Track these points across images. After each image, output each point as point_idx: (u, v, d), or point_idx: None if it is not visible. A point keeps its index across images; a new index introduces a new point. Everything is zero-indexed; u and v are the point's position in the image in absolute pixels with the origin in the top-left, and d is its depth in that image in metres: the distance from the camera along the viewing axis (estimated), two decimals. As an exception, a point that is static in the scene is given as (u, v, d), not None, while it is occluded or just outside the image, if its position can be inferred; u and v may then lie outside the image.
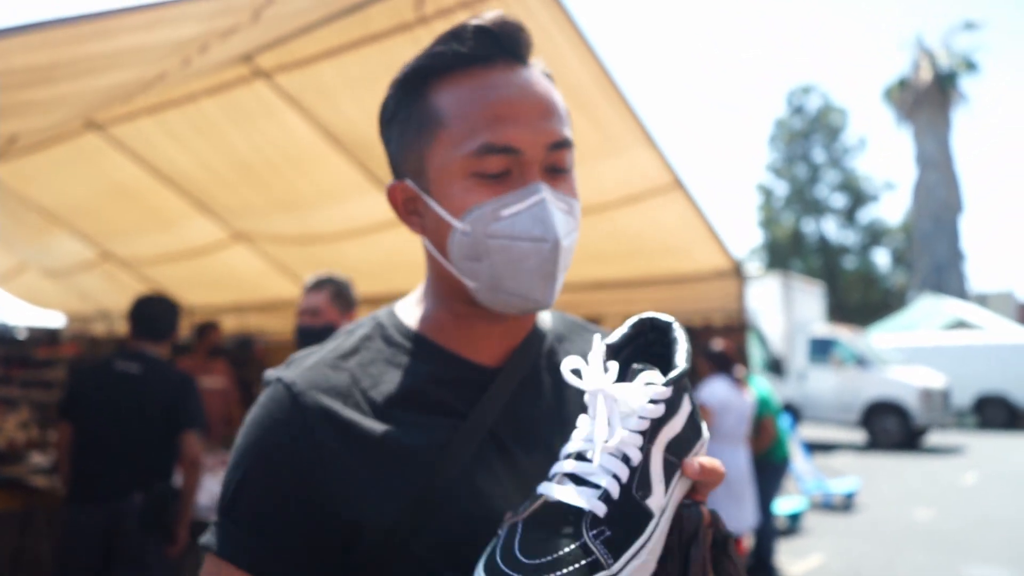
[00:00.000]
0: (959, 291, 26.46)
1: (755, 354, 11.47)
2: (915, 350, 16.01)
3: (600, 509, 0.65)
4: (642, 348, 0.82)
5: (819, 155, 34.01)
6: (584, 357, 0.94)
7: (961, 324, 18.19)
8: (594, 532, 0.64)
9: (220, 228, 7.24)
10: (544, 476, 0.75)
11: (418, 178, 0.88)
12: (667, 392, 0.70)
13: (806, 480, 8.33)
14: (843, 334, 14.40)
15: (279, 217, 6.69)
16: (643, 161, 5.11)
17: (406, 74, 0.88)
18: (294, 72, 4.75)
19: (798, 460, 8.39)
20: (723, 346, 5.34)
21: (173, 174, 6.41)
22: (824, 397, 13.82)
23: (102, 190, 7.00)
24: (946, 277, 27.28)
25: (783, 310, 13.67)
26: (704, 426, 0.78)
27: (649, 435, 0.69)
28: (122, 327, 10.42)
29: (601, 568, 0.62)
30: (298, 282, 8.17)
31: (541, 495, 0.68)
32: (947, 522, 7.62)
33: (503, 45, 0.85)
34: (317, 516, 0.80)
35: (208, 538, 0.83)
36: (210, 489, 4.10)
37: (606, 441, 0.68)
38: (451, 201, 0.85)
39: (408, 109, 0.88)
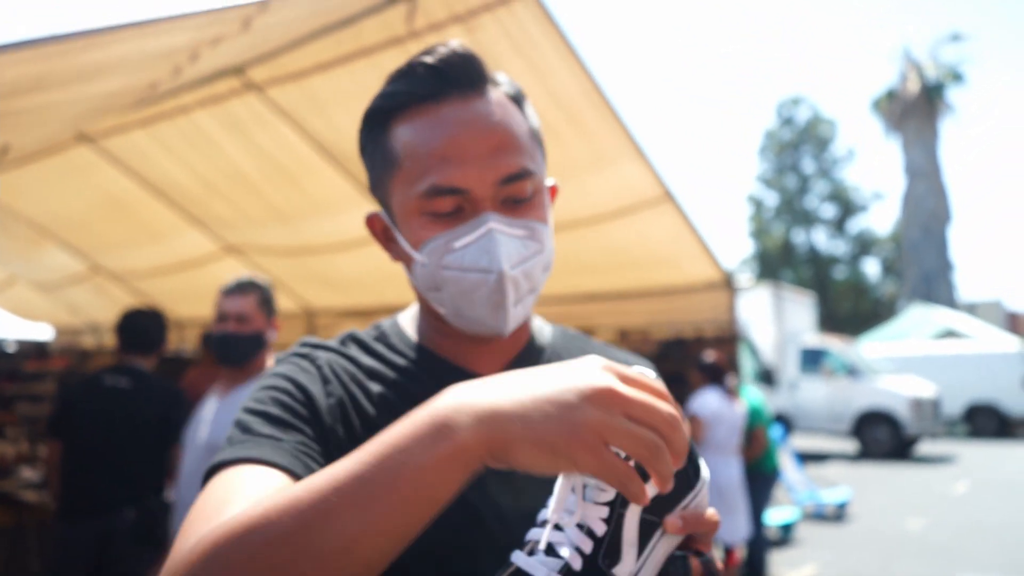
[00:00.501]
0: (948, 300, 26.62)
1: (746, 364, 11.51)
2: (905, 360, 16.09)
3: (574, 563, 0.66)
4: None
5: (809, 166, 34.25)
6: None
7: (951, 333, 18.29)
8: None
9: (211, 240, 7.24)
10: (533, 489, 0.76)
11: (387, 210, 0.93)
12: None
13: (798, 490, 8.34)
14: (833, 344, 14.46)
15: (271, 229, 6.69)
16: (633, 174, 5.14)
17: (367, 112, 0.92)
18: (286, 85, 4.77)
19: (790, 470, 8.41)
20: (714, 357, 5.36)
21: (165, 186, 6.40)
22: (815, 407, 13.86)
23: (93, 203, 6.98)
24: (935, 286, 27.44)
25: (774, 320, 13.73)
26: (702, 472, 0.76)
27: (620, 502, 0.68)
28: (112, 340, 10.38)
29: None
30: (291, 295, 8.16)
31: (512, 563, 0.69)
32: (939, 531, 7.65)
33: (451, 80, 0.86)
34: (325, 442, 0.83)
35: (224, 454, 0.78)
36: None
37: (572, 513, 0.68)
38: (411, 234, 0.88)
39: (372, 145, 0.91)
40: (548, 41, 4.19)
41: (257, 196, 6.15)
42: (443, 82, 0.86)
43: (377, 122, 0.90)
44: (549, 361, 0.99)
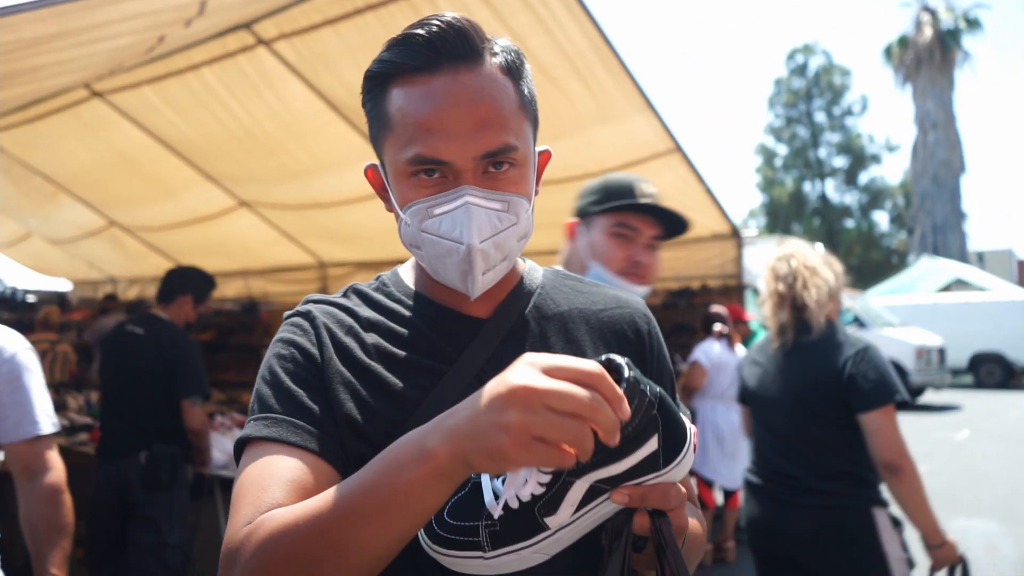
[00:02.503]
0: (960, 250, 26.52)
1: (754, 315, 11.60)
2: (912, 310, 16.13)
3: (496, 511, 0.79)
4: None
5: (820, 116, 33.82)
6: (570, 308, 1.06)
7: (960, 284, 18.29)
8: (487, 522, 0.79)
9: (223, 195, 7.31)
10: None
11: (382, 166, 1.00)
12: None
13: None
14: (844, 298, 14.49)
15: (281, 184, 6.76)
16: (642, 127, 5.17)
17: (368, 73, 0.97)
18: (294, 40, 4.80)
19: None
20: (717, 309, 5.45)
21: (176, 143, 6.46)
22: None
23: (106, 159, 7.05)
24: (946, 237, 27.31)
25: (782, 271, 13.75)
26: (679, 457, 0.80)
27: (568, 473, 0.77)
28: (130, 293, 10.57)
29: (479, 548, 0.78)
30: (301, 248, 8.27)
31: (473, 478, 0.83)
32: (938, 477, 7.81)
33: (443, 52, 0.91)
34: (329, 405, 0.93)
35: (244, 432, 0.92)
36: (226, 448, 4.24)
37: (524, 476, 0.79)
38: (398, 194, 0.96)
39: (372, 103, 0.98)
40: (556, -6, 4.20)
41: (266, 152, 6.21)
42: (436, 54, 0.91)
43: (376, 83, 0.96)
44: (541, 301, 1.07)
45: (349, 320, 1.00)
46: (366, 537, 0.73)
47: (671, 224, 2.02)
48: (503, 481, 0.80)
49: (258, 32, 4.78)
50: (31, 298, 11.70)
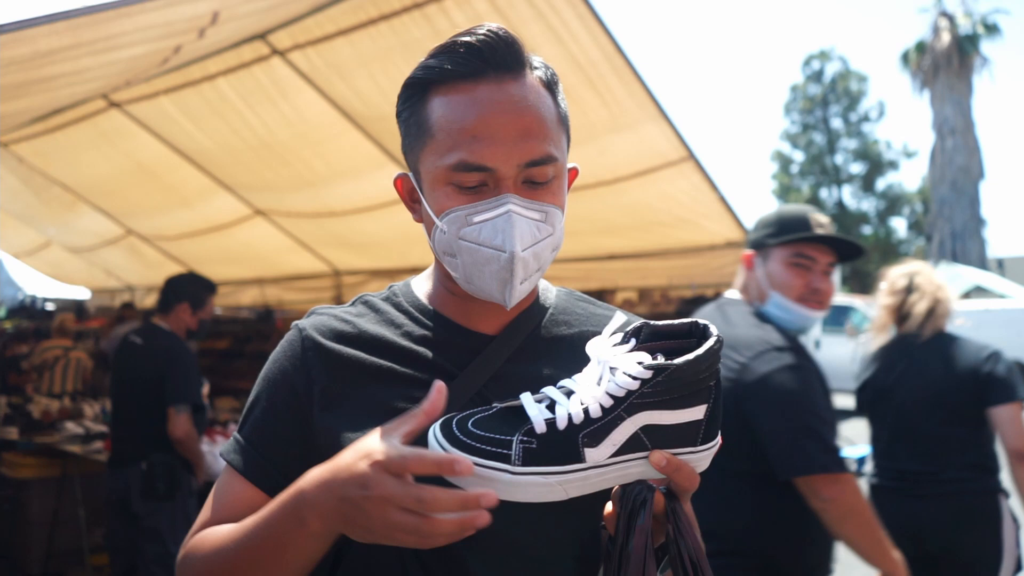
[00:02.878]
0: (979, 257, 26.22)
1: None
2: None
3: (540, 427, 0.77)
4: (685, 348, 0.86)
5: (836, 122, 33.62)
6: (581, 331, 1.05)
7: (980, 291, 18.07)
8: (524, 437, 0.76)
9: (239, 204, 7.37)
10: None
11: (415, 175, 0.99)
12: (645, 372, 0.77)
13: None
14: (857, 302, 14.39)
15: (296, 193, 6.80)
16: (655, 135, 5.15)
17: (407, 81, 0.97)
18: (308, 50, 4.83)
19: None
20: None
21: (192, 152, 6.53)
22: (838, 365, 13.84)
23: (124, 168, 7.14)
24: (965, 243, 27.04)
25: (797, 279, 13.67)
26: (712, 440, 0.83)
27: (626, 406, 0.77)
28: (147, 301, 10.65)
29: (507, 462, 0.75)
30: (316, 257, 8.31)
31: (519, 399, 0.81)
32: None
33: (490, 61, 0.91)
34: (302, 438, 0.96)
35: (225, 446, 1.00)
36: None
37: (583, 389, 0.79)
38: (435, 201, 0.95)
39: (409, 111, 0.97)
40: (568, 5, 4.21)
41: (281, 161, 6.25)
42: (482, 62, 0.91)
43: (415, 91, 0.95)
44: (552, 322, 1.06)
45: (351, 333, 1.00)
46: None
47: (845, 250, 2.20)
48: (548, 406, 0.79)
49: (273, 42, 4.82)
50: (50, 306, 11.84)
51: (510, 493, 0.76)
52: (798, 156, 34.43)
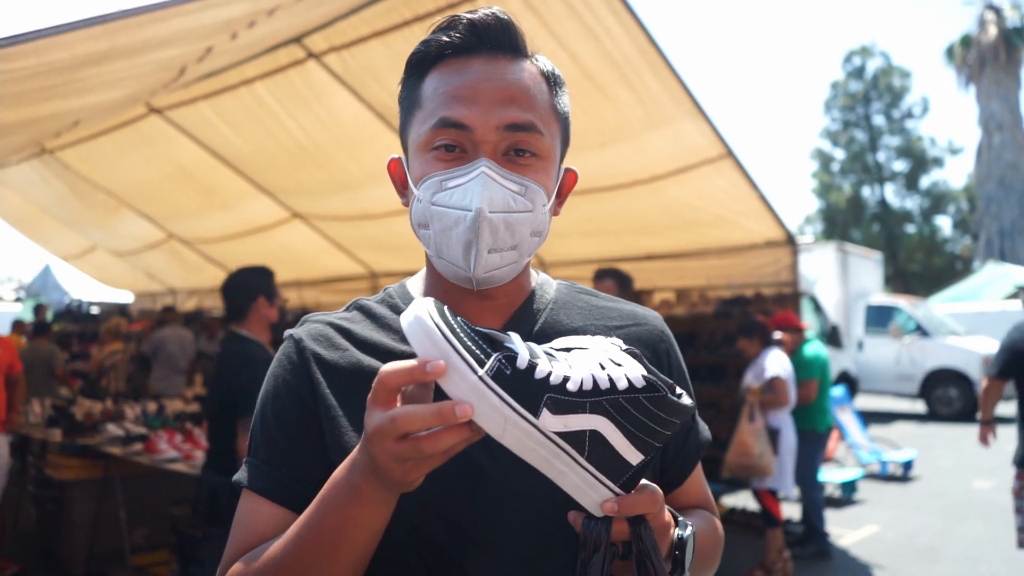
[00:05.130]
0: (1028, 256, 25.53)
1: (810, 323, 11.33)
2: (978, 318, 15.51)
3: (522, 361, 0.73)
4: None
5: (879, 119, 32.99)
6: (584, 325, 1.02)
7: (1028, 290, 17.57)
8: (504, 359, 0.72)
9: (277, 207, 7.44)
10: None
11: (405, 153, 0.98)
12: (640, 381, 0.74)
13: (861, 450, 8.25)
14: (902, 302, 14.09)
15: (332, 196, 6.85)
16: (692, 132, 5.09)
17: (408, 61, 0.96)
18: (343, 52, 4.85)
19: (853, 431, 8.31)
20: (761, 318, 5.29)
21: (230, 156, 6.61)
22: (882, 367, 13.56)
23: (164, 173, 7.25)
24: (1014, 242, 26.34)
25: (839, 279, 13.43)
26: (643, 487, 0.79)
27: (594, 401, 0.74)
28: (188, 304, 10.83)
29: (481, 364, 0.71)
30: (352, 259, 8.36)
31: (507, 333, 0.77)
32: (1006, 493, 7.49)
33: (484, 38, 0.91)
34: (319, 447, 0.92)
35: (238, 475, 0.95)
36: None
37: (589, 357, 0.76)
38: (415, 171, 0.93)
39: (407, 91, 0.97)
40: (604, 1, 4.17)
41: (317, 164, 6.29)
42: (477, 38, 0.91)
43: (414, 71, 0.95)
44: (552, 316, 1.02)
45: (344, 342, 0.97)
46: (327, 567, 0.79)
47: None
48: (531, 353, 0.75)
49: (308, 45, 4.85)
50: (95, 309, 12.08)
51: (463, 395, 0.71)
52: (839, 154, 33.84)
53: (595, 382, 0.74)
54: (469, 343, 0.72)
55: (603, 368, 0.75)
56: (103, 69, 3.10)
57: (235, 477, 0.95)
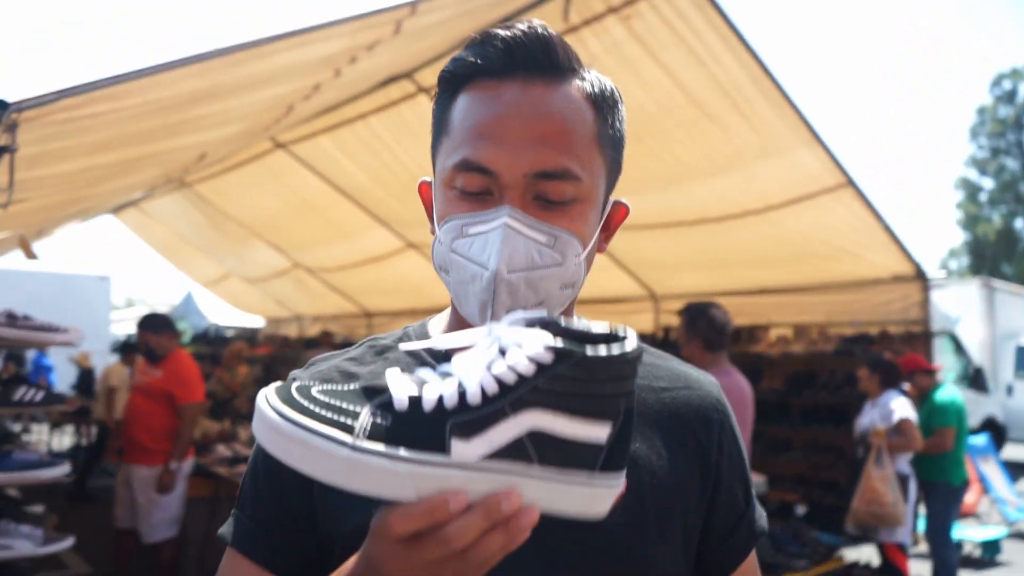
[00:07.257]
0: None
1: (949, 364, 10.51)
2: None
3: (400, 403, 0.60)
4: None
5: (1033, 145, 30.64)
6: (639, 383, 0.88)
7: None
8: (378, 410, 0.61)
9: (393, 238, 7.67)
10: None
11: (433, 175, 0.89)
12: (545, 356, 0.59)
13: (1007, 506, 7.52)
14: (1059, 344, 12.88)
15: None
16: (808, 160, 4.86)
17: (441, 75, 0.87)
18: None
19: (998, 483, 7.60)
20: (889, 356, 4.91)
21: (349, 188, 6.88)
22: (1035, 413, 12.40)
23: (289, 204, 7.64)
24: None
25: (985, 317, 12.44)
26: (611, 479, 0.64)
27: (513, 399, 0.60)
28: (312, 330, 11.30)
29: (349, 433, 0.58)
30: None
31: (383, 377, 0.65)
32: None
33: (519, 58, 0.81)
34: (307, 509, 0.84)
35: (223, 528, 0.89)
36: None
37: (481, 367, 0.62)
38: (439, 206, 0.85)
39: (439, 109, 0.87)
40: (711, 27, 4.06)
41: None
42: (510, 60, 0.81)
43: (447, 87, 0.86)
44: None
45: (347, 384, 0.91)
46: None
47: None
48: (417, 384, 0.62)
49: (419, 81, 4.99)
50: (229, 333, 12.81)
51: (346, 477, 0.58)
52: (987, 183, 31.65)
53: (499, 381, 0.60)
54: (327, 413, 0.60)
55: (503, 356, 0.61)
56: (214, 108, 3.27)
57: (220, 530, 0.89)
